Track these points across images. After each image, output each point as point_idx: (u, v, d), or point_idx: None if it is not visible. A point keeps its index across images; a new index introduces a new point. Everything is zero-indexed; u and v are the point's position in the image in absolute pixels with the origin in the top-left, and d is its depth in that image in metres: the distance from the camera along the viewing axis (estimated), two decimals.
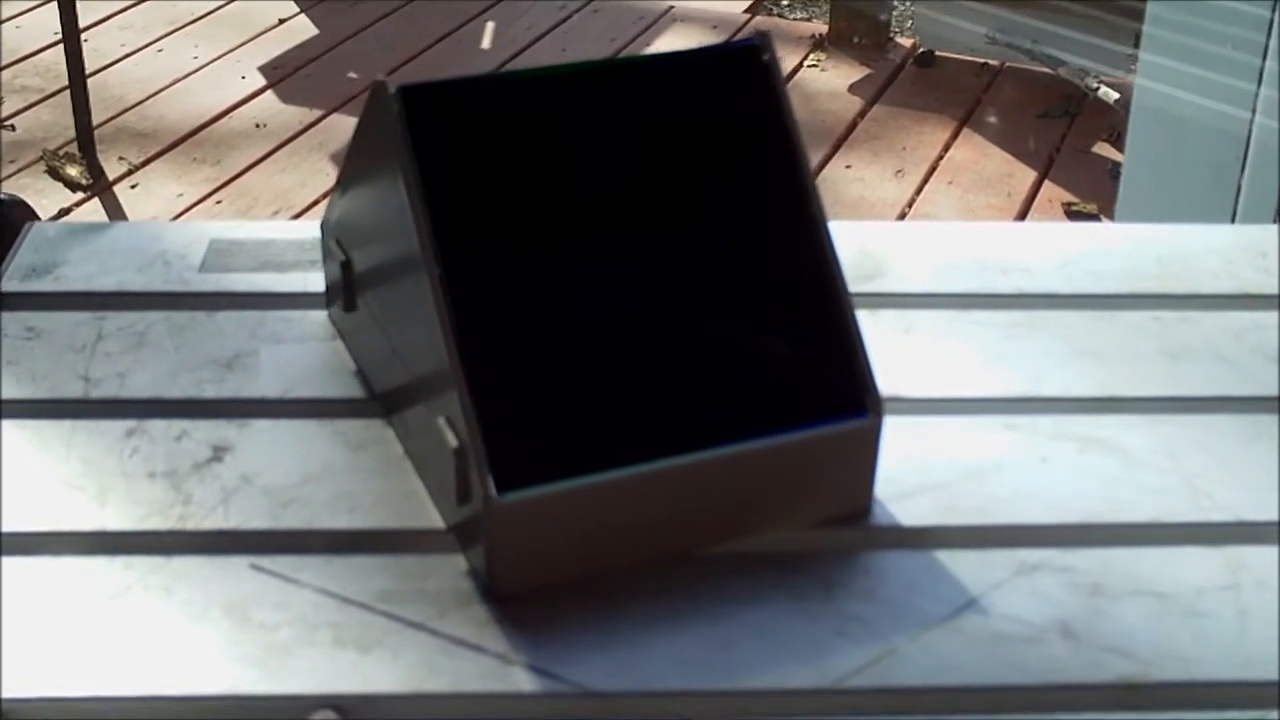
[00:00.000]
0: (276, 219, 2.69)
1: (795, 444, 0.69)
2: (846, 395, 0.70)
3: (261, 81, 3.09)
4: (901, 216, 2.63)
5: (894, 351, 0.83)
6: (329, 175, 2.79)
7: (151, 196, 2.73)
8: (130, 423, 0.76)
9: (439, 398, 0.67)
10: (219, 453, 0.74)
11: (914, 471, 0.74)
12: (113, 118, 2.96)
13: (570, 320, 0.68)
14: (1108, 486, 0.73)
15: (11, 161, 2.84)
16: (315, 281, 0.86)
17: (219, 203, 2.74)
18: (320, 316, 0.84)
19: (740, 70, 0.73)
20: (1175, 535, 0.71)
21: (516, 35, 3.19)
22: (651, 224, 0.70)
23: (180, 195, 2.74)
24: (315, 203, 2.72)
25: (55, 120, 2.92)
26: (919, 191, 2.72)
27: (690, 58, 0.74)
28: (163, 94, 3.05)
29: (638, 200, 0.70)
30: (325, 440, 0.75)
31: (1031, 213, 2.65)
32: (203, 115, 2.97)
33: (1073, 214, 2.63)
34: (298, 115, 2.96)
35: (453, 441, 0.66)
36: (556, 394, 0.67)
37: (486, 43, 3.20)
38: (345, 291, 0.79)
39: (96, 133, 2.86)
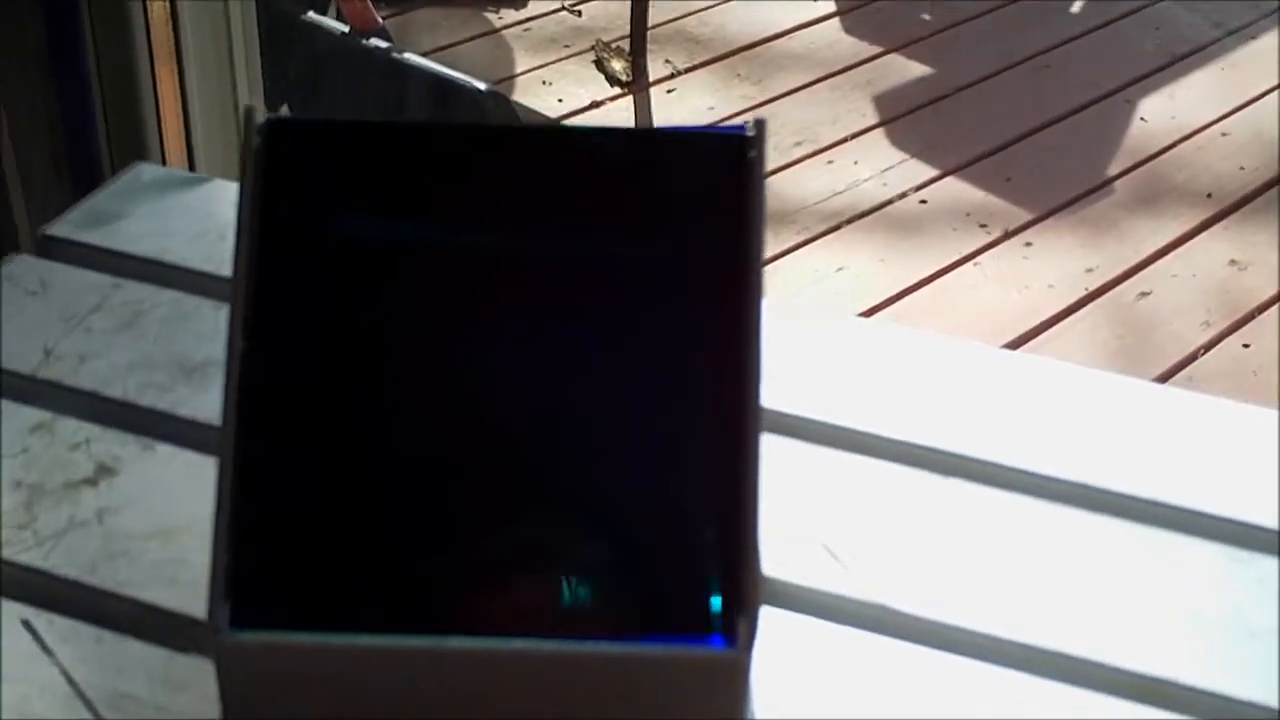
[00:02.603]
0: (798, 149, 2.60)
1: (628, 658, 0.54)
2: (712, 611, 0.54)
3: (832, 8, 2.97)
4: None
5: (926, 538, 0.65)
6: (864, 116, 2.66)
7: (683, 105, 2.69)
8: (47, 415, 0.69)
9: None
10: (101, 474, 0.67)
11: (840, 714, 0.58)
12: (674, 19, 2.92)
13: (394, 438, 0.56)
14: None
15: (566, 46, 2.86)
16: None
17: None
18: None
19: (715, 163, 0.57)
20: None
21: (1108, 8, 2.92)
22: (535, 333, 0.56)
23: (711, 109, 2.68)
24: (840, 142, 2.60)
25: (619, 13, 2.91)
26: None
27: (655, 138, 0.58)
28: (731, 3, 2.98)
29: (525, 302, 0.56)
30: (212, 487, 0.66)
31: None
32: (762, 31, 2.89)
33: None
34: (854, 49, 2.83)
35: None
36: (348, 527, 0.55)
37: (1076, 8, 2.95)
38: None
39: (653, 32, 2.83)
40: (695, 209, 0.57)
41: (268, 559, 0.54)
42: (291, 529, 0.55)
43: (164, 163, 1.37)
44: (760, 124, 0.57)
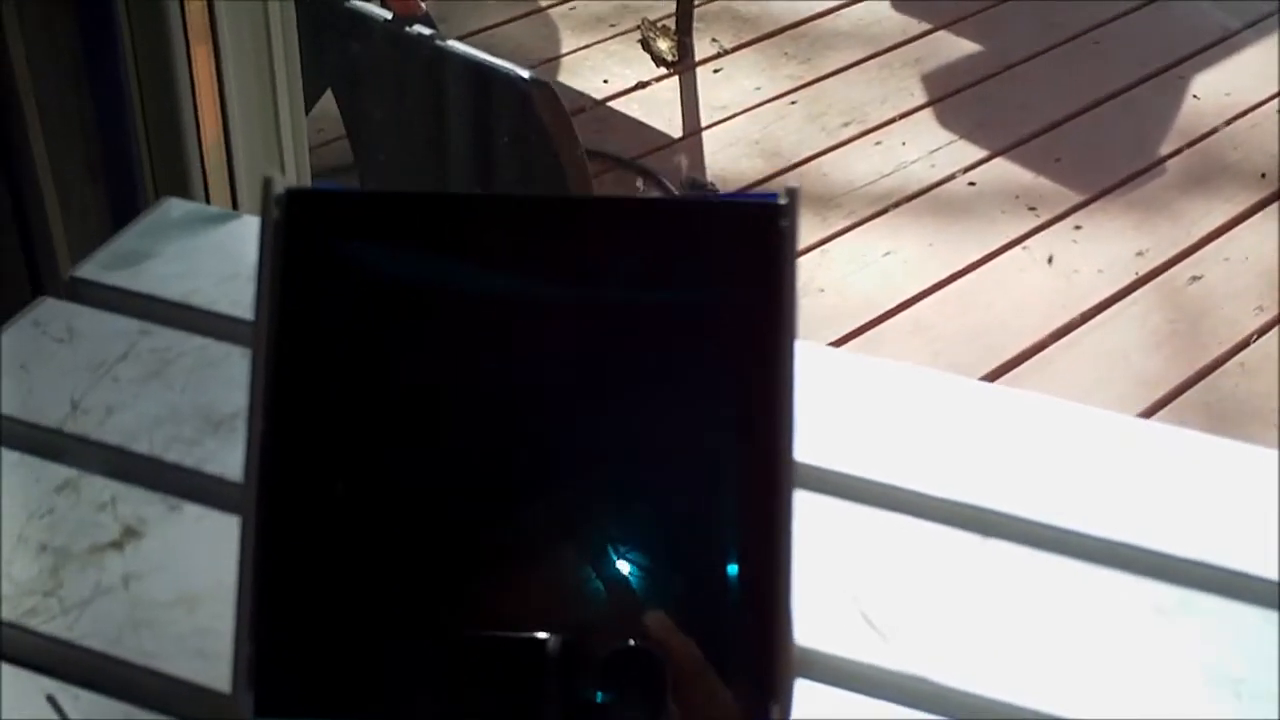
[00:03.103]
0: (845, 130, 2.57)
1: None
2: (747, 693, 0.53)
3: None
4: None
5: (967, 603, 0.63)
6: (913, 96, 2.63)
7: (730, 85, 2.67)
8: (73, 473, 0.69)
9: None
10: (127, 537, 0.66)
11: None
12: None
13: (423, 516, 0.54)
14: None
15: (612, 25, 2.84)
16: None
17: (793, 103, 2.64)
18: None
19: (748, 232, 0.55)
20: None
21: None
22: (561, 412, 0.55)
23: (758, 89, 2.66)
24: (888, 122, 2.58)
25: None
26: None
27: (686, 206, 0.57)
28: None
29: (553, 366, 0.55)
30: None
31: None
32: (809, 9, 2.86)
33: None
34: (902, 25, 2.80)
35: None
36: (375, 611, 0.54)
37: None
38: None
39: (700, 10, 2.80)
40: (727, 277, 0.55)
41: (292, 645, 0.53)
42: (316, 613, 0.53)
43: (202, 165, 1.36)
44: (793, 192, 0.55)
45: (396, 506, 0.54)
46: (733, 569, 0.54)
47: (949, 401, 0.72)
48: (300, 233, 0.55)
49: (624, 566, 0.54)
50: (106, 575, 0.64)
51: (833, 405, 0.71)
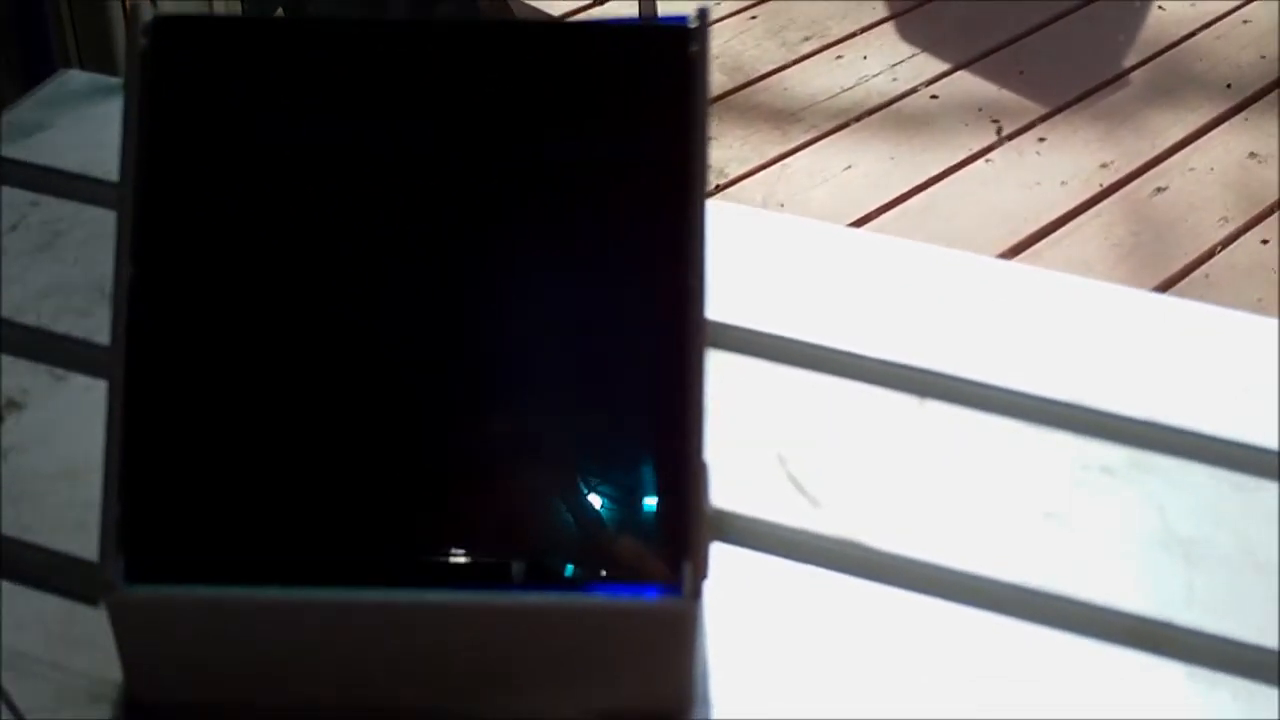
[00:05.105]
0: (806, 44, 2.53)
1: (554, 609, 0.49)
2: (657, 558, 0.49)
3: None
4: None
5: (903, 468, 0.59)
6: (875, 9, 2.59)
7: None
8: None
9: None
10: (8, 409, 0.62)
11: (812, 669, 0.52)
12: None
13: (305, 366, 0.50)
14: None
15: None
16: None
17: (753, 18, 2.60)
18: None
19: (654, 58, 0.51)
20: None
21: None
22: (457, 244, 0.51)
23: (718, 3, 2.61)
24: (849, 36, 2.53)
25: None
26: None
27: (586, 31, 0.52)
28: None
29: (447, 210, 0.51)
30: None
31: None
32: None
33: None
34: None
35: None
36: (255, 467, 0.50)
37: None
38: None
39: None
40: (632, 108, 0.51)
41: (165, 505, 0.49)
42: (191, 471, 0.49)
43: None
44: (704, 13, 0.51)
45: (275, 351, 0.50)
46: (642, 427, 0.50)
47: (885, 262, 0.68)
48: (171, 64, 0.51)
49: (540, 433, 0.50)
50: None
51: (761, 267, 0.67)
